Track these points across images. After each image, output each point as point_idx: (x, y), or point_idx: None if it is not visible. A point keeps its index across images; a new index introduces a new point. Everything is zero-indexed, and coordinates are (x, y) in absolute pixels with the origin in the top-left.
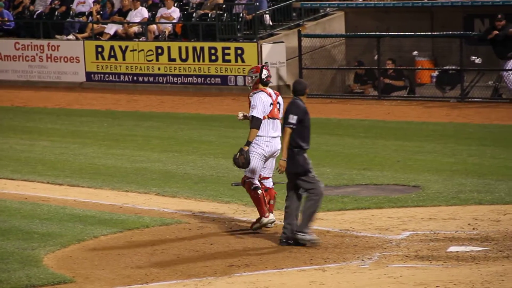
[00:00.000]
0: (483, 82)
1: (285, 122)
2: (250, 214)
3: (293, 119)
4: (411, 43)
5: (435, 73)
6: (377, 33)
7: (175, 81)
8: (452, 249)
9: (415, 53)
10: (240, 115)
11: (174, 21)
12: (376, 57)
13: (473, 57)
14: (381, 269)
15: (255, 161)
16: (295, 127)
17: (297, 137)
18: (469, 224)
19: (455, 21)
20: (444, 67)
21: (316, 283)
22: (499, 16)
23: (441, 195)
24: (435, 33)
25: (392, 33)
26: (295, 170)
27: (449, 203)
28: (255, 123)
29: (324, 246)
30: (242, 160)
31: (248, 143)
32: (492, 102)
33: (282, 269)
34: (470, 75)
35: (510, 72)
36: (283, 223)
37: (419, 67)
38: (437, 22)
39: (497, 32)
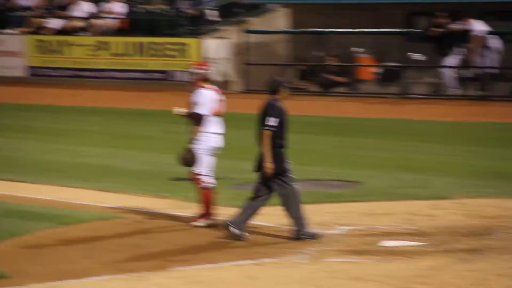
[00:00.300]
0: (424, 79)
1: (263, 124)
2: (189, 209)
3: (273, 121)
4: (354, 40)
5: (377, 70)
6: (321, 29)
7: (118, 76)
8: (388, 243)
9: (357, 49)
10: (176, 110)
11: (118, 16)
12: (319, 54)
13: (414, 54)
14: (317, 263)
15: (206, 158)
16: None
17: (277, 137)
18: (405, 219)
19: (397, 18)
20: (385, 64)
21: (252, 277)
22: (440, 13)
23: (379, 190)
24: (377, 30)
25: (335, 30)
26: (277, 170)
27: (386, 198)
28: (201, 120)
29: (261, 240)
30: (189, 158)
31: (193, 141)
32: (432, 99)
33: (218, 263)
34: (411, 72)
35: (450, 69)
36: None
37: (361, 64)
38: (379, 19)
39: (438, 29)
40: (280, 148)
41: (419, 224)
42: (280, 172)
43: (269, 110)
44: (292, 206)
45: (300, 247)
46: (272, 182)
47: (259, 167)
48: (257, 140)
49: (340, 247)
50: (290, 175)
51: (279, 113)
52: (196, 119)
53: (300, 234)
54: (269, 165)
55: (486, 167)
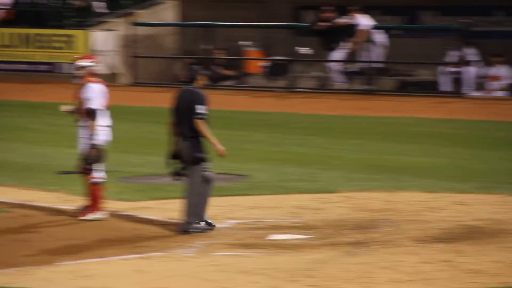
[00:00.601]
0: (310, 73)
1: (193, 113)
2: (76, 203)
3: (203, 109)
4: (242, 33)
5: (264, 63)
6: (209, 22)
7: (3, 68)
8: (276, 237)
9: (245, 43)
10: (64, 107)
11: (3, 6)
12: (207, 47)
13: (301, 48)
14: (205, 257)
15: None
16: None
17: (190, 127)
18: (292, 212)
19: (285, 12)
20: (273, 58)
21: (140, 271)
22: (326, 8)
23: (267, 184)
24: (265, 23)
25: (223, 23)
26: (195, 158)
27: (273, 191)
28: (96, 114)
29: (149, 234)
30: (95, 154)
31: (93, 136)
32: (318, 93)
33: (106, 258)
34: (298, 66)
35: (336, 63)
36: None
37: (248, 57)
38: (267, 13)
39: (324, 24)
40: (202, 136)
41: (306, 217)
42: (201, 160)
43: (195, 98)
44: (193, 197)
45: (188, 241)
46: (190, 169)
47: (178, 156)
48: (175, 129)
49: (228, 240)
50: (205, 166)
51: (206, 101)
52: (91, 115)
53: (189, 228)
54: (221, 148)
55: (372, 161)
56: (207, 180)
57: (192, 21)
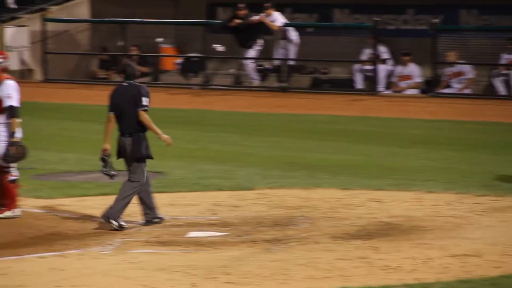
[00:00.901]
0: (225, 70)
1: (139, 106)
2: None
3: (147, 102)
4: (156, 30)
5: (179, 60)
6: (122, 19)
7: None
8: (192, 234)
9: (159, 39)
10: None
11: None
12: (121, 43)
13: (216, 45)
14: (122, 254)
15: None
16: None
17: (134, 122)
18: (209, 210)
19: (199, 9)
20: (188, 55)
21: (56, 269)
22: (241, 5)
23: (184, 181)
24: (179, 20)
25: (137, 20)
26: (141, 154)
27: (190, 189)
28: (17, 112)
29: (65, 232)
30: (18, 152)
31: (14, 134)
32: (233, 90)
33: (22, 256)
34: (213, 63)
35: (251, 61)
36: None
37: (163, 54)
38: (182, 10)
39: (239, 21)
40: (144, 132)
41: (223, 214)
42: (146, 157)
43: (141, 91)
44: (128, 194)
45: (105, 238)
46: (133, 166)
47: (123, 152)
48: (121, 124)
49: (146, 238)
50: (145, 164)
51: (149, 95)
52: (12, 112)
53: (153, 218)
54: (165, 137)
55: (288, 158)
56: (146, 180)
57: (106, 18)
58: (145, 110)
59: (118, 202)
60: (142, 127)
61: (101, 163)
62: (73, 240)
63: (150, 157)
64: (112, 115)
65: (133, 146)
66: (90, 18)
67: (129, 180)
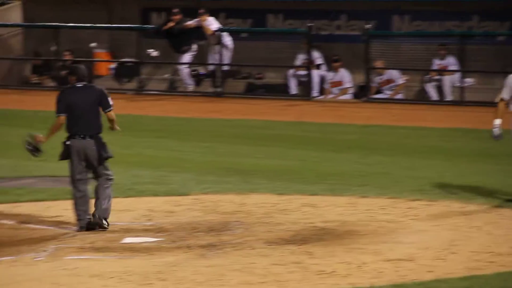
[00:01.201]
0: (160, 75)
1: (108, 107)
2: None
3: (111, 101)
4: (90, 35)
5: (113, 65)
6: (55, 23)
7: None
8: (127, 240)
9: (93, 44)
10: None
11: None
12: (54, 48)
13: (150, 50)
14: (56, 261)
15: None
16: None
17: (100, 121)
18: (144, 215)
19: (133, 14)
20: (122, 60)
21: None
22: (175, 10)
23: (118, 187)
24: (113, 25)
25: (70, 24)
26: (108, 155)
27: (125, 194)
28: None
29: None
30: None
31: None
32: (168, 95)
33: None
34: (147, 68)
35: (186, 66)
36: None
37: (97, 59)
38: (115, 15)
39: (173, 26)
40: (100, 133)
41: (158, 220)
42: (107, 158)
43: (102, 92)
44: (111, 194)
45: (39, 245)
46: (99, 167)
47: (84, 155)
48: (79, 126)
49: (81, 244)
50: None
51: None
52: None
53: (105, 221)
54: (42, 137)
55: (223, 163)
56: (112, 179)
57: (39, 22)
58: (111, 110)
59: (106, 204)
60: (101, 128)
61: (28, 147)
62: (6, 247)
63: (108, 158)
64: (63, 117)
65: (99, 148)
66: (22, 23)
67: (107, 179)
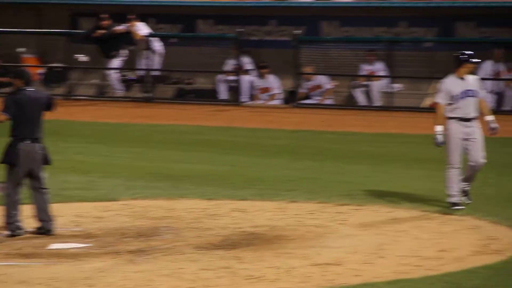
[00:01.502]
0: (89, 80)
1: (50, 109)
2: None
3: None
4: (18, 40)
5: (41, 70)
6: None
7: None
8: (55, 246)
9: (20, 49)
10: None
11: None
12: None
13: (79, 55)
14: None
15: None
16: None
17: (41, 128)
18: (72, 221)
19: (61, 19)
20: (50, 65)
21: None
22: (104, 15)
23: None
24: (41, 30)
25: None
26: (50, 160)
27: (53, 200)
28: None
29: None
30: None
31: None
32: (97, 100)
33: None
34: (76, 73)
35: (115, 71)
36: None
37: (25, 64)
38: (44, 19)
39: (102, 31)
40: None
41: (86, 226)
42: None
43: (49, 96)
44: (48, 200)
45: None
46: (41, 172)
47: (30, 159)
48: (27, 129)
49: (7, 250)
50: None
51: None
52: None
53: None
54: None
55: (152, 169)
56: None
57: None
58: None
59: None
60: (41, 135)
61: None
62: None
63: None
64: (7, 118)
65: (45, 152)
66: None
67: (41, 188)
